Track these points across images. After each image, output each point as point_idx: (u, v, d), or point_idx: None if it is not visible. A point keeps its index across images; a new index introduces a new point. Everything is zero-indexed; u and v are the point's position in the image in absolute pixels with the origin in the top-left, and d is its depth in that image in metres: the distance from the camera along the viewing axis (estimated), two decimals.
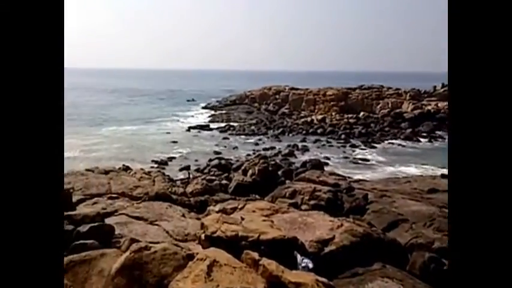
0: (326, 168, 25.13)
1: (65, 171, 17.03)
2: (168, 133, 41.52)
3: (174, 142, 36.08)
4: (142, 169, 18.92)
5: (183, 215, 12.53)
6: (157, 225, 11.14)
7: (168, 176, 18.11)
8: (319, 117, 47.71)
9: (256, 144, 36.45)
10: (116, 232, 9.96)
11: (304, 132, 42.15)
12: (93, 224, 9.70)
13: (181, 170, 26.03)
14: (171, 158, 29.60)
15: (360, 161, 30.51)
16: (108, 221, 10.72)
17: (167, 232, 10.57)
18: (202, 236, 9.15)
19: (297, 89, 57.36)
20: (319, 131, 42.24)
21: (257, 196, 17.11)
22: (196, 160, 29.12)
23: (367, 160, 30.82)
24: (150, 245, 6.80)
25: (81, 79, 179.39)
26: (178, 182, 18.70)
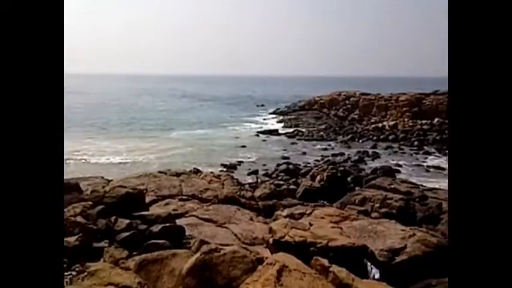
0: (398, 176, 24.38)
1: (139, 173, 17.74)
2: (237, 137, 42.10)
3: (243, 146, 36.51)
4: (212, 172, 19.29)
5: (251, 219, 12.61)
6: (226, 227, 11.29)
7: (236, 179, 18.29)
8: (391, 123, 46.36)
9: (325, 149, 36.03)
10: (186, 233, 10.20)
11: (374, 138, 41.11)
12: (164, 225, 9.99)
13: (249, 174, 26.26)
14: (239, 162, 29.96)
15: (433, 169, 29.25)
16: (179, 222, 11.01)
17: (235, 235, 10.67)
18: (271, 241, 9.14)
19: (367, 94, 56.14)
20: (390, 137, 41.04)
21: (325, 202, 16.88)
22: (264, 165, 29.28)
23: (442, 168, 29.47)
24: (220, 247, 6.87)
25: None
26: (246, 186, 18.85)
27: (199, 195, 14.44)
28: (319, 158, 31.74)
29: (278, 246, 8.58)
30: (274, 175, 25.58)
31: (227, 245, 8.34)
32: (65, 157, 29.84)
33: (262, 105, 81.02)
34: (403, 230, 10.47)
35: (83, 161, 29.72)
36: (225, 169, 27.18)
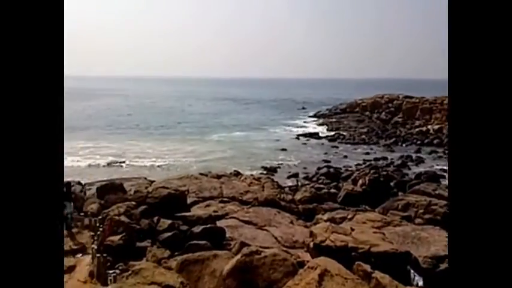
0: (443, 181, 23.67)
1: (181, 174, 18.02)
2: (278, 140, 42.08)
3: (283, 149, 36.42)
4: (252, 175, 19.38)
5: (291, 222, 12.56)
6: (266, 230, 11.29)
7: (276, 182, 18.28)
8: (436, 127, 45.15)
9: (367, 153, 35.47)
10: (227, 235, 10.27)
11: (418, 142, 40.12)
12: (205, 226, 10.11)
13: (289, 177, 26.15)
14: (279, 165, 29.91)
15: None
16: (220, 223, 11.10)
17: (275, 238, 10.65)
18: (311, 244, 9.07)
19: (411, 98, 54.93)
20: (435, 141, 39.94)
21: (367, 207, 16.60)
22: (304, 168, 29.11)
23: None
24: (261, 249, 6.87)
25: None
26: (286, 189, 18.81)
27: (240, 198, 14.52)
28: (360, 162, 31.26)
29: (319, 250, 8.49)
30: (314, 178, 25.41)
31: (267, 247, 8.34)
32: (110, 159, 30.73)
33: (303, 108, 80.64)
34: (447, 237, 10.18)
35: (127, 162, 30.44)
36: (265, 172, 27.19)
